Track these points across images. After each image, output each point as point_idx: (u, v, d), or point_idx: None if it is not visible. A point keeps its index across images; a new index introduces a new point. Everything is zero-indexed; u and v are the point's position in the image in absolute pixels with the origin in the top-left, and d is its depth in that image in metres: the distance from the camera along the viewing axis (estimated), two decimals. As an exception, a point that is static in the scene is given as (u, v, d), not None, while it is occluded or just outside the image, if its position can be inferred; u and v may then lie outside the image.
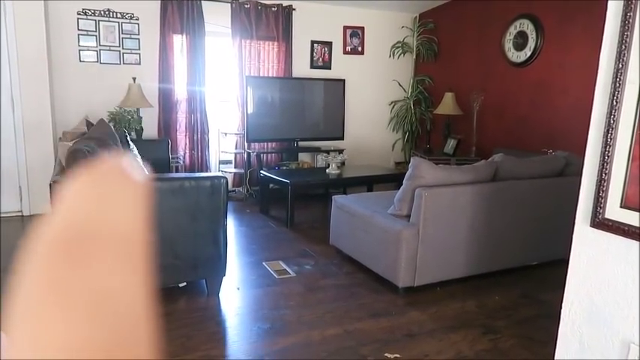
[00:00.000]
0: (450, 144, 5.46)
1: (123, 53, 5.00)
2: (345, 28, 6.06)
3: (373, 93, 6.32)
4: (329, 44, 5.99)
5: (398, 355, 2.31)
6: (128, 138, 3.31)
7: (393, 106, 6.42)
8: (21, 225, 4.32)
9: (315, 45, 5.92)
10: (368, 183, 5.17)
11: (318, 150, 5.71)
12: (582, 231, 1.47)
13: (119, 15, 4.91)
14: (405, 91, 6.36)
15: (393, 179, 4.98)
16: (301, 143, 5.72)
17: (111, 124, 4.03)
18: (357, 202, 3.51)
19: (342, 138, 5.88)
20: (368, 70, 6.25)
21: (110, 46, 4.94)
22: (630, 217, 1.33)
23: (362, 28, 6.14)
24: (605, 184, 1.37)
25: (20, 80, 4.35)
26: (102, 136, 2.93)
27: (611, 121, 1.34)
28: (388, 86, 6.37)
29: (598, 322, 1.44)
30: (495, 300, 2.97)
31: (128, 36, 4.99)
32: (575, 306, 1.51)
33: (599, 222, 1.40)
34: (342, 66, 6.07)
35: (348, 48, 6.12)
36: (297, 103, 5.67)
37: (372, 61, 6.25)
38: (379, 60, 6.29)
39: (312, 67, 5.94)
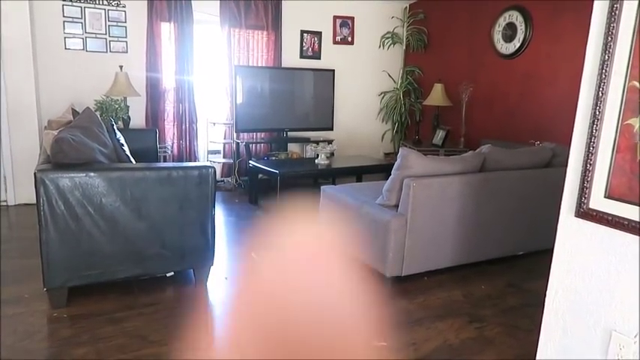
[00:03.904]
0: (439, 135, 5.49)
1: (109, 41, 4.92)
2: (335, 17, 6.03)
3: (363, 83, 6.31)
4: (319, 34, 5.95)
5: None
6: (115, 127, 3.27)
7: (383, 97, 6.42)
8: (6, 215, 4.27)
9: (305, 35, 5.88)
10: (357, 173, 5.17)
11: (307, 140, 5.70)
12: (567, 221, 1.49)
13: (105, 2, 4.83)
14: (394, 81, 6.36)
15: (382, 170, 4.99)
16: (290, 133, 5.70)
17: (97, 113, 3.98)
18: (345, 192, 3.51)
19: (331, 128, 5.88)
20: (358, 60, 6.23)
21: (96, 33, 4.86)
22: (614, 208, 1.34)
23: (352, 18, 6.11)
24: (589, 174, 1.39)
25: (4, 68, 4.27)
26: (88, 125, 2.89)
27: (597, 113, 1.35)
28: (378, 77, 6.36)
29: (581, 311, 1.46)
30: (482, 289, 3.01)
31: (115, 23, 4.91)
32: (560, 295, 1.53)
33: (584, 212, 1.42)
34: (331, 56, 6.04)
35: (338, 38, 6.09)
36: (286, 93, 5.64)
37: (361, 52, 6.23)
38: (369, 50, 6.27)
39: (302, 56, 5.91)
